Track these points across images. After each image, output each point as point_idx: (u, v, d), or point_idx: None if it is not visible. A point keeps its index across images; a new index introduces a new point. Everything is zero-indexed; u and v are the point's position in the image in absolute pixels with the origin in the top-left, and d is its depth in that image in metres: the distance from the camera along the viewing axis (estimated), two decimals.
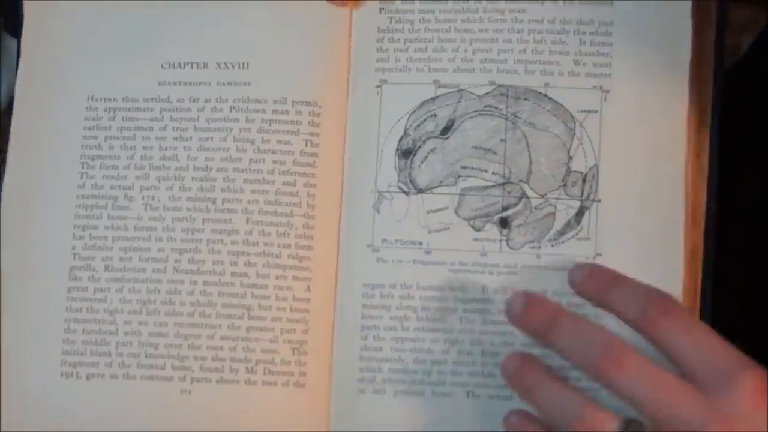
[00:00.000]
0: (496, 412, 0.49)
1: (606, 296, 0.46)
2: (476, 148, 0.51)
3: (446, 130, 0.52)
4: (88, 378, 0.51)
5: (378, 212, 0.52)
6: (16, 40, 0.55)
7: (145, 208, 0.52)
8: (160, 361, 0.51)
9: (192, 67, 0.53)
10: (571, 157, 0.51)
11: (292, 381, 0.51)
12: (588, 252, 0.50)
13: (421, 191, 0.52)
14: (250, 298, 0.51)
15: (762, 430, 0.42)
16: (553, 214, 0.51)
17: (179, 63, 0.54)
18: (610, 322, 0.46)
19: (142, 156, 0.53)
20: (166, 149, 0.53)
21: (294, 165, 0.52)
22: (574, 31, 0.51)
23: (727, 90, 0.51)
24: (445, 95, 0.52)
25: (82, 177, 0.53)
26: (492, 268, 0.50)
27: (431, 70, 0.52)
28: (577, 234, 0.50)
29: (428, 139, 0.52)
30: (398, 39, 0.52)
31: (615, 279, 0.46)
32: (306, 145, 0.52)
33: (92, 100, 0.54)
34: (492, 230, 0.51)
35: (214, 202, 0.52)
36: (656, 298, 0.45)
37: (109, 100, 0.53)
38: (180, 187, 0.52)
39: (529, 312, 0.46)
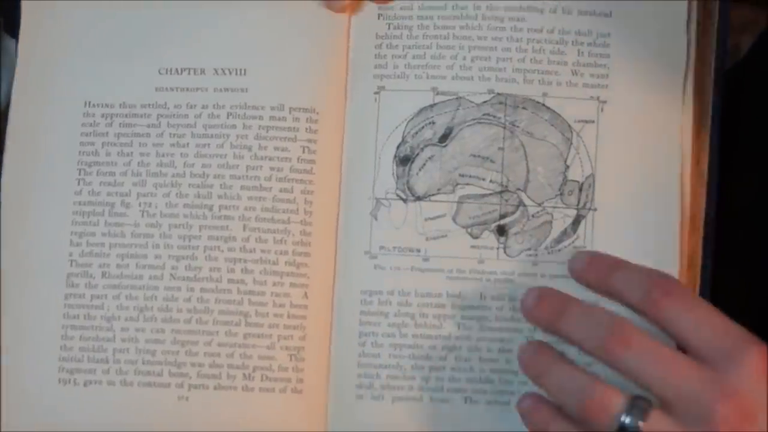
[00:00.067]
0: (494, 417, 0.51)
1: (607, 281, 0.48)
2: (474, 156, 0.54)
3: (444, 138, 0.54)
4: (85, 384, 0.53)
5: (375, 219, 0.54)
6: (15, 40, 0.56)
7: (142, 215, 0.54)
8: (158, 368, 0.53)
9: (189, 73, 0.55)
10: (568, 166, 0.53)
11: (289, 387, 0.53)
12: None
13: (418, 198, 0.54)
14: (247, 304, 0.53)
15: None
16: (550, 222, 0.53)
17: (176, 69, 0.55)
18: (616, 311, 0.48)
19: (139, 162, 0.55)
20: (163, 156, 0.55)
21: (291, 172, 0.54)
22: (573, 42, 0.53)
23: (727, 91, 0.53)
24: (444, 103, 0.54)
25: (79, 183, 0.55)
26: (489, 276, 0.53)
27: (429, 77, 0.54)
28: (573, 242, 0.53)
29: (426, 146, 0.54)
30: (397, 45, 0.54)
31: (615, 264, 0.49)
32: (303, 151, 0.54)
33: (89, 106, 0.55)
34: (489, 238, 0.53)
35: (211, 208, 0.54)
36: (658, 279, 0.47)
37: (106, 106, 0.55)
38: (177, 193, 0.54)
39: (540, 305, 0.49)
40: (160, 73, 0.55)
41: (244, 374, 0.53)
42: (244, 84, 0.55)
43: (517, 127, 0.54)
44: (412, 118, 0.54)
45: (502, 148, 0.53)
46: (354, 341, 0.53)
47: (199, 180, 0.54)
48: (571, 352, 0.49)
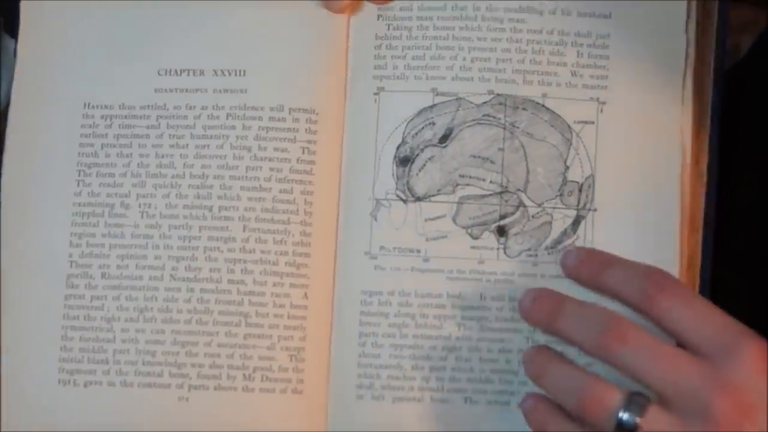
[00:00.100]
0: (494, 417, 0.52)
1: (601, 277, 0.49)
2: (474, 156, 0.55)
3: (444, 139, 0.55)
4: (85, 385, 0.54)
5: (375, 220, 0.55)
6: (15, 40, 0.57)
7: (142, 216, 0.55)
8: (158, 369, 0.54)
9: (188, 74, 0.56)
10: (567, 167, 0.54)
11: (290, 388, 0.53)
12: None
13: (419, 199, 0.55)
14: (247, 305, 0.54)
15: (766, 398, 0.45)
16: (550, 222, 0.54)
17: (176, 70, 0.56)
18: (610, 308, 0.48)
19: (138, 163, 0.55)
20: (163, 157, 0.55)
21: (291, 172, 0.55)
22: (572, 43, 0.54)
23: (727, 91, 0.54)
24: (444, 103, 0.55)
25: (78, 185, 0.56)
26: (489, 276, 0.54)
27: (429, 78, 0.55)
28: (573, 242, 0.54)
29: (426, 147, 0.55)
30: (396, 46, 0.55)
31: (609, 260, 0.49)
32: (303, 152, 0.55)
33: (88, 108, 0.56)
34: (489, 238, 0.54)
35: (210, 209, 0.55)
36: (653, 274, 0.48)
37: (106, 107, 0.56)
38: (177, 194, 0.55)
39: (536, 306, 0.49)
40: (159, 74, 0.56)
41: (244, 375, 0.54)
42: (244, 85, 0.55)
43: (517, 127, 0.54)
44: (412, 119, 0.55)
45: (502, 149, 0.54)
46: (354, 342, 0.54)
47: (199, 181, 0.55)
48: (572, 352, 0.50)
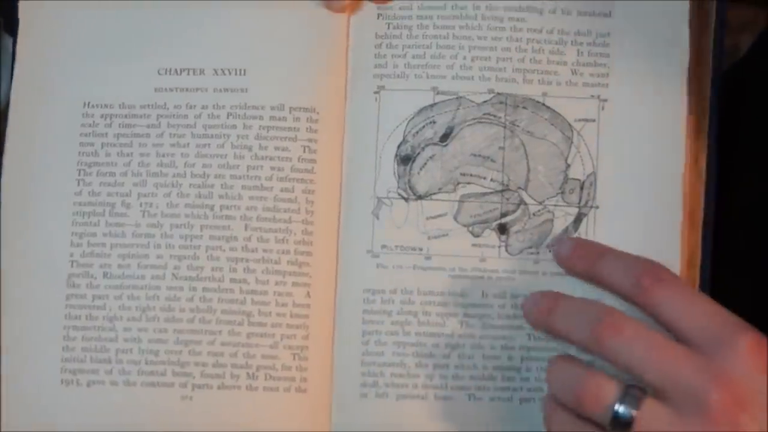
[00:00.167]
0: (498, 414, 0.54)
1: (594, 268, 0.50)
2: (475, 155, 0.56)
3: (445, 137, 0.56)
4: (88, 385, 0.55)
5: (377, 218, 0.56)
6: (14, 40, 0.58)
7: (143, 215, 0.56)
8: (161, 368, 0.55)
9: (188, 74, 0.57)
10: (568, 165, 0.55)
11: (293, 386, 0.55)
12: None
13: (420, 197, 0.56)
14: (249, 304, 0.55)
15: (762, 390, 0.46)
16: (551, 220, 0.55)
17: (176, 69, 0.57)
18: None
19: (139, 163, 0.56)
20: (164, 156, 0.56)
21: (292, 171, 0.56)
22: (572, 42, 0.56)
23: (726, 91, 0.55)
24: (444, 102, 0.56)
25: (78, 184, 0.56)
26: (491, 274, 0.55)
27: (429, 77, 0.56)
28: None
29: (427, 145, 0.56)
30: (396, 45, 0.56)
31: (602, 251, 0.50)
32: (304, 151, 0.56)
33: (88, 107, 0.57)
34: (491, 236, 0.55)
35: (212, 208, 0.56)
36: (648, 266, 0.48)
37: (106, 106, 0.57)
38: (178, 193, 0.56)
39: (535, 306, 0.51)
40: (159, 74, 0.57)
41: (247, 374, 0.55)
42: (244, 84, 0.56)
43: (518, 126, 0.56)
44: (413, 118, 0.56)
45: (502, 148, 0.56)
46: (357, 340, 0.55)
47: (200, 180, 0.56)
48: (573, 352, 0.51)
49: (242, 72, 0.57)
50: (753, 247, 0.57)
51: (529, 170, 0.56)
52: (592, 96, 0.56)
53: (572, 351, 0.51)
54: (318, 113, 0.56)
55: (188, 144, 0.56)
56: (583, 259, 0.50)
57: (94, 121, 0.57)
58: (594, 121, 0.55)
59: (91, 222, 0.56)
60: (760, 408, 0.46)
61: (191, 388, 0.55)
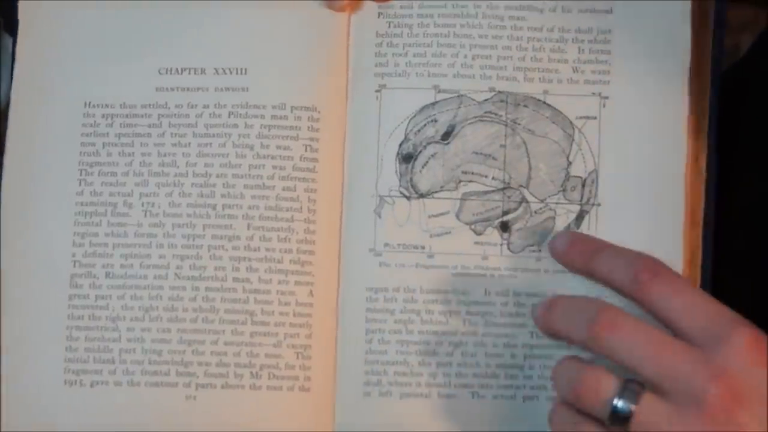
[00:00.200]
0: (501, 412, 0.54)
1: (591, 263, 0.50)
2: (476, 153, 0.56)
3: (447, 136, 0.57)
4: (91, 385, 0.55)
5: (379, 217, 0.56)
6: (14, 40, 0.58)
7: (145, 215, 0.56)
8: (164, 368, 0.55)
9: (189, 73, 0.57)
10: (570, 163, 0.56)
11: (297, 385, 0.55)
12: None
13: (422, 196, 0.56)
14: (252, 303, 0.56)
15: (760, 385, 0.46)
16: (553, 218, 0.56)
17: (177, 69, 0.57)
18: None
19: (140, 162, 0.57)
20: (165, 155, 0.57)
21: (294, 170, 0.56)
22: (573, 39, 0.56)
23: (727, 91, 0.55)
24: (445, 101, 0.57)
25: (80, 184, 0.57)
26: (493, 272, 0.56)
27: (431, 75, 0.57)
28: None
29: (429, 144, 0.57)
30: (397, 44, 0.57)
31: (599, 246, 0.50)
32: (305, 150, 0.57)
33: (89, 107, 0.57)
34: (493, 234, 0.56)
35: (214, 208, 0.56)
36: (645, 261, 0.49)
37: (107, 106, 0.57)
38: (179, 193, 0.56)
39: (537, 309, 0.51)
40: (160, 73, 0.57)
41: (251, 373, 0.55)
42: (245, 83, 0.57)
43: (519, 124, 0.56)
44: (414, 116, 0.57)
45: (503, 146, 0.56)
46: (360, 338, 0.55)
47: (202, 179, 0.56)
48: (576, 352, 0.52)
49: (243, 71, 0.57)
50: (753, 247, 0.57)
51: (530, 168, 0.56)
52: (593, 93, 0.56)
53: (576, 351, 0.51)
54: (319, 112, 0.57)
55: (190, 143, 0.57)
56: (580, 253, 0.51)
57: (95, 121, 0.57)
58: (595, 118, 0.56)
59: (93, 222, 0.57)
60: (758, 403, 0.46)
61: (195, 387, 0.55)
